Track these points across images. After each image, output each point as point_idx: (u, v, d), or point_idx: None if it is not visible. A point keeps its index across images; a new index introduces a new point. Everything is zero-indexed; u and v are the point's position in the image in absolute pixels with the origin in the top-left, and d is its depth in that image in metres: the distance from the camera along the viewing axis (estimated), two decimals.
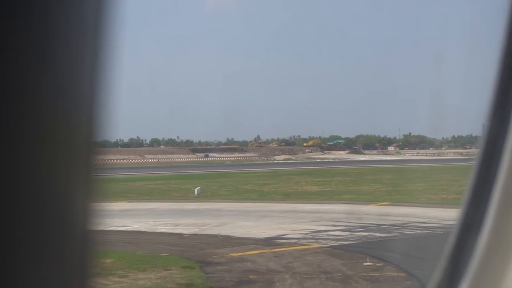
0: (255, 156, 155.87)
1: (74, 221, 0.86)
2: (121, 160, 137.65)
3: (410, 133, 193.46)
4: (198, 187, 54.90)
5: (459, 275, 2.25)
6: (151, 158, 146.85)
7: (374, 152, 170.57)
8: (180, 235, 31.34)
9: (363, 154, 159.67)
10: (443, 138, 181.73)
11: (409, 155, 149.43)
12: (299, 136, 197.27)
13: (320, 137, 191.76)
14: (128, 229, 33.66)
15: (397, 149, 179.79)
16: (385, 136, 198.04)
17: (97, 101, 0.86)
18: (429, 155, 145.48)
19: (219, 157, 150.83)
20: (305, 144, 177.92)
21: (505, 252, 2.16)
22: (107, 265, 23.91)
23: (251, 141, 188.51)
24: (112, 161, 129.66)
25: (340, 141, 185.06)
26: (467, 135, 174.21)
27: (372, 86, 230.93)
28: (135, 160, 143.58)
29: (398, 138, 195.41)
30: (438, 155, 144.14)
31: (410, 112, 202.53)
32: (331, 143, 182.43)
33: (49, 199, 0.80)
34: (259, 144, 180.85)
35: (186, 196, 52.79)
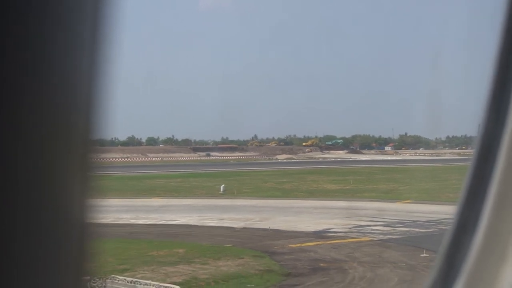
0: (257, 155, 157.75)
1: (72, 219, 0.86)
2: (125, 159, 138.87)
3: (406, 133, 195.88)
4: (223, 185, 56.97)
5: (454, 275, 2.28)
6: (154, 157, 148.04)
7: (372, 152, 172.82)
8: (231, 228, 33.44)
9: (362, 154, 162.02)
10: (436, 138, 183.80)
11: (407, 155, 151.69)
12: (295, 135, 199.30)
13: (316, 136, 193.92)
14: (178, 223, 35.71)
15: (393, 149, 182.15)
16: (380, 136, 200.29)
17: (95, 99, 0.88)
18: (428, 155, 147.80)
19: (221, 156, 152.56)
20: (304, 144, 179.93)
21: (500, 252, 2.18)
22: (182, 254, 26.04)
23: (249, 140, 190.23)
24: (115, 159, 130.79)
25: (339, 141, 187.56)
26: (461, 136, 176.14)
27: (366, 86, 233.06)
28: (138, 158, 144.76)
29: (392, 138, 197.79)
30: (436, 155, 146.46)
31: (404, 112, 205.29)
32: (330, 142, 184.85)
33: (47, 197, 0.82)
34: (259, 144, 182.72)
35: (212, 193, 54.76)
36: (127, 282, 21.52)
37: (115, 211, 40.31)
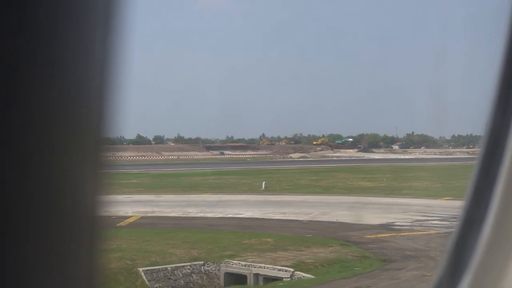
0: (269, 154, 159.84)
1: (85, 216, 0.89)
2: (142, 157, 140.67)
3: (412, 132, 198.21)
4: (264, 182, 59.35)
5: (461, 271, 2.33)
6: (169, 155, 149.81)
7: (382, 150, 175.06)
8: (298, 221, 35.68)
9: (373, 152, 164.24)
10: (440, 137, 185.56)
11: (418, 153, 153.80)
12: (301, 134, 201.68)
13: (323, 135, 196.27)
14: (245, 216, 37.92)
15: (403, 147, 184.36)
16: (385, 134, 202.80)
17: (107, 98, 0.91)
18: (438, 154, 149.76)
19: (235, 155, 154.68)
20: (314, 143, 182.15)
21: (507, 249, 2.23)
22: (272, 242, 28.35)
23: (256, 139, 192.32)
24: (133, 158, 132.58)
25: (348, 140, 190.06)
26: (466, 135, 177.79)
27: (370, 84, 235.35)
28: (154, 157, 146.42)
29: (396, 136, 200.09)
30: (446, 154, 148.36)
31: (408, 111, 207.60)
32: (340, 141, 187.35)
33: (60, 194, 0.84)
34: (270, 142, 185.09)
35: (255, 190, 56.94)
36: (241, 265, 23.90)
37: (178, 205, 42.78)
